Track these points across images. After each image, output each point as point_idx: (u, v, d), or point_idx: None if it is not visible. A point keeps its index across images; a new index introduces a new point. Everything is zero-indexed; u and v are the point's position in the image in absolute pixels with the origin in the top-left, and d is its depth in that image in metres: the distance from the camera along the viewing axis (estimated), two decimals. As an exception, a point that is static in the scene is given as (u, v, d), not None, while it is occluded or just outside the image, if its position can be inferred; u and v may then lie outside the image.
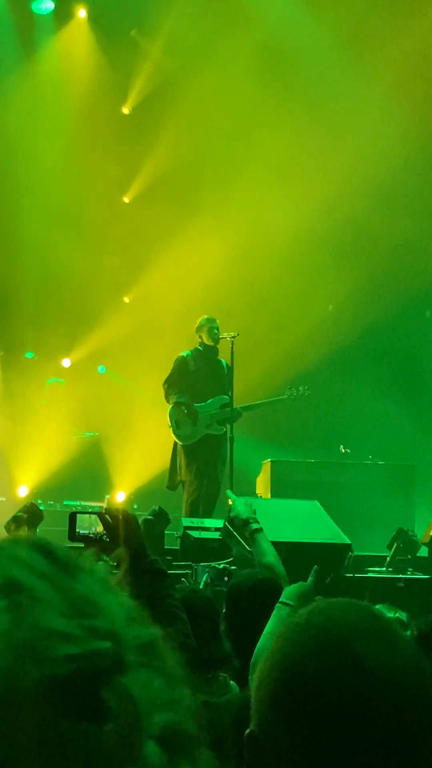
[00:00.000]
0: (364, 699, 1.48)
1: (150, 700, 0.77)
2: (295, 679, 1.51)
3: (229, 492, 6.09)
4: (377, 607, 4.81)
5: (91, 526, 3.76)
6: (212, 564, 8.43)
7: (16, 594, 0.76)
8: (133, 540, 3.62)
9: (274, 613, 4.54)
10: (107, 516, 3.68)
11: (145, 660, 0.79)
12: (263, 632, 4.43)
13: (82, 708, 0.73)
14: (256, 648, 4.33)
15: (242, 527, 5.56)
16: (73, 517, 3.79)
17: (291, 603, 4.59)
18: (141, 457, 15.11)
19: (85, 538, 3.77)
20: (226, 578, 7.59)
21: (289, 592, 4.73)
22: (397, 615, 6.32)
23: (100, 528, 3.69)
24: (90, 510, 3.92)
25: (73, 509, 14.13)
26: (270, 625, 4.46)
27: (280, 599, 4.61)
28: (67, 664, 0.73)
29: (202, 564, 8.61)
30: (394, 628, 1.58)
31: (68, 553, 0.81)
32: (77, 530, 3.77)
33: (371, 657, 1.50)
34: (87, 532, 3.75)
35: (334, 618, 1.56)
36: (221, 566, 7.85)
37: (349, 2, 15.24)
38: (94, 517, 3.72)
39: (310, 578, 4.57)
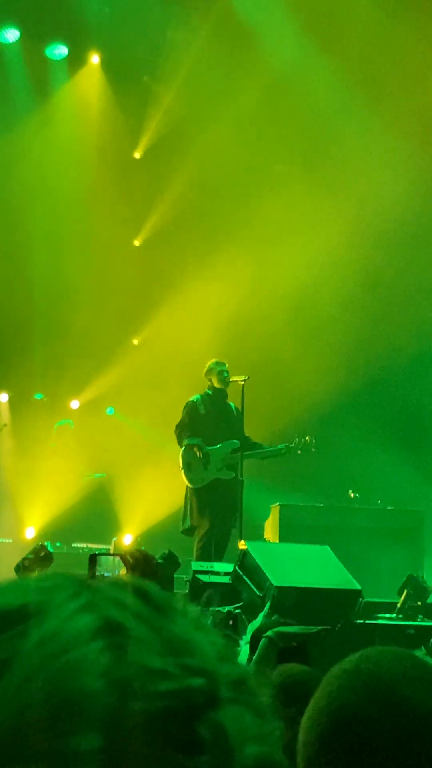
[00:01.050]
0: (416, 743, 1.49)
1: (242, 734, 0.81)
2: (346, 723, 1.51)
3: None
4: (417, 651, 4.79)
5: (114, 568, 3.76)
6: (217, 608, 8.40)
7: (114, 635, 0.80)
8: (156, 582, 3.62)
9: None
10: (129, 557, 3.68)
11: (237, 695, 0.82)
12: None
13: (178, 741, 0.77)
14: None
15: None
16: (93, 559, 3.78)
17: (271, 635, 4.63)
18: (149, 500, 15.10)
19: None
20: (230, 622, 7.56)
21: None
22: None
23: (123, 571, 3.69)
24: (98, 552, 3.90)
25: (80, 551, 14.14)
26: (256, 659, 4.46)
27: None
28: (164, 700, 0.77)
29: (211, 609, 8.58)
30: None
31: (163, 594, 0.86)
32: (100, 572, 3.76)
33: (422, 703, 1.51)
34: (110, 574, 3.75)
35: (383, 664, 1.56)
36: (225, 610, 7.81)
37: (363, 51, 15.36)
38: (117, 559, 3.72)
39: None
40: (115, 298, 17.09)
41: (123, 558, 3.72)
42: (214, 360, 12.43)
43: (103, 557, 3.82)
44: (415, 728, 1.49)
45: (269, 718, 0.85)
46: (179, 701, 0.78)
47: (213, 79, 15.99)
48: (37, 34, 15.78)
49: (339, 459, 15.31)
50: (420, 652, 5.48)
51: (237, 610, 7.31)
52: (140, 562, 3.69)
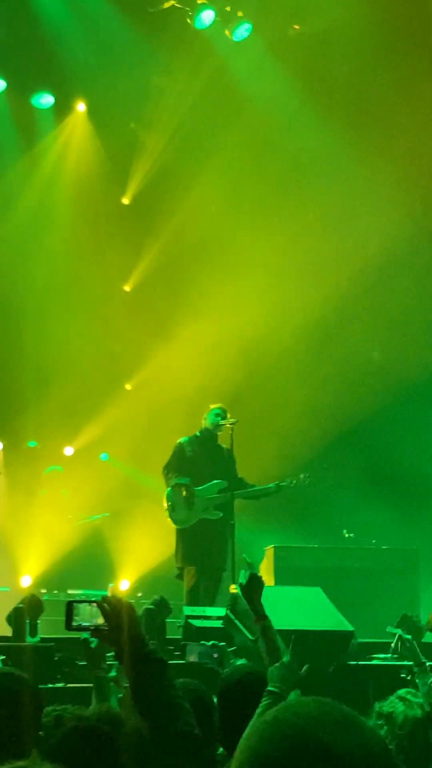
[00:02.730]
0: None
1: None
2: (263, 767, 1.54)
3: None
4: (401, 691, 4.78)
5: (92, 617, 3.73)
6: (201, 642, 8.37)
7: None
8: (133, 630, 3.61)
9: (261, 703, 4.52)
10: (106, 605, 3.66)
11: None
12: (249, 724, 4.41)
13: None
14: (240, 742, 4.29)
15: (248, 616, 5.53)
16: (70, 606, 3.76)
17: (277, 690, 4.58)
18: (145, 545, 15.04)
19: (83, 629, 3.75)
20: (215, 655, 7.54)
21: (273, 676, 4.71)
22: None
23: (101, 620, 3.67)
24: (91, 599, 3.86)
25: (77, 598, 14.01)
26: (255, 717, 4.43)
27: (268, 687, 4.59)
28: None
29: (191, 644, 8.53)
30: (359, 720, 1.61)
31: None
32: (78, 622, 3.74)
33: (339, 745, 1.53)
34: (88, 623, 3.72)
35: (300, 712, 1.59)
36: (210, 643, 7.78)
37: (350, 97, 15.43)
38: (95, 608, 3.69)
39: (304, 668, 4.55)
40: (107, 343, 17.12)
41: (100, 606, 3.69)
42: (217, 405, 12.46)
43: (80, 605, 3.79)
44: None
45: None
46: None
47: (200, 125, 16.12)
48: (22, 83, 15.87)
49: (333, 499, 15.31)
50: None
51: (222, 643, 7.27)
52: (117, 610, 3.67)
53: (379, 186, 15.67)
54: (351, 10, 14.50)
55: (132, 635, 3.61)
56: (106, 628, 3.66)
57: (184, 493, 12.01)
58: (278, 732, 1.56)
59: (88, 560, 15.28)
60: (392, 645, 9.87)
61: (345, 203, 16.21)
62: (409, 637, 6.46)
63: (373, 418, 15.90)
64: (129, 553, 15.57)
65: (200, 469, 12.18)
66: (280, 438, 15.34)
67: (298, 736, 1.54)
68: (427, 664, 6.17)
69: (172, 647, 9.22)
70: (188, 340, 16.05)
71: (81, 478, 15.96)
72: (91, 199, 16.98)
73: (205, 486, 12.07)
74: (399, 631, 6.89)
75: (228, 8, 15.00)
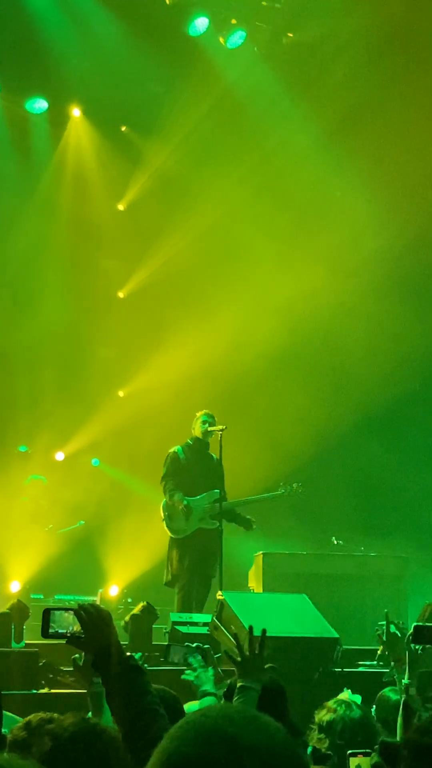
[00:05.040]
0: None
1: None
2: (175, 763, 1.62)
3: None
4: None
5: (68, 625, 3.73)
6: (186, 643, 8.37)
7: None
8: (108, 637, 3.61)
9: (234, 698, 4.59)
10: (83, 613, 3.66)
11: None
12: None
13: None
14: None
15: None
16: (46, 614, 3.76)
17: (247, 684, 4.66)
18: (135, 550, 15.03)
19: (59, 636, 3.76)
20: (199, 657, 7.53)
21: (240, 672, 4.80)
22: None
23: (77, 627, 3.67)
24: (67, 606, 3.87)
25: (66, 604, 13.93)
26: None
27: (238, 684, 4.68)
28: None
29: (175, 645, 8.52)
30: (264, 717, 1.69)
31: None
32: (54, 629, 3.74)
33: (244, 737, 1.61)
34: (64, 630, 3.73)
35: (209, 713, 1.69)
36: (194, 645, 7.79)
37: (343, 103, 15.39)
38: (71, 616, 3.70)
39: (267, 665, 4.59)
40: (100, 349, 17.13)
41: (77, 614, 3.70)
42: (204, 411, 12.43)
43: (57, 613, 3.79)
44: (239, 759, 1.59)
45: None
46: None
47: (195, 132, 16.10)
48: (15, 88, 15.87)
49: (322, 506, 15.31)
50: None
51: (206, 645, 7.29)
52: (93, 617, 3.68)
53: (374, 194, 15.69)
54: (345, 18, 14.52)
55: (108, 643, 3.61)
56: (83, 636, 3.66)
57: (179, 506, 12.00)
58: (187, 730, 1.65)
59: (79, 566, 15.25)
60: (378, 653, 9.86)
61: (342, 212, 16.20)
62: (396, 632, 6.45)
63: (362, 427, 15.92)
64: (119, 558, 15.56)
65: (193, 477, 12.19)
66: (272, 446, 15.34)
67: (206, 731, 1.63)
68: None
69: (158, 653, 9.21)
70: (181, 347, 16.05)
71: (72, 483, 15.93)
72: (87, 204, 16.98)
73: (201, 496, 12.07)
74: (383, 622, 6.87)
75: (222, 16, 15.02)
